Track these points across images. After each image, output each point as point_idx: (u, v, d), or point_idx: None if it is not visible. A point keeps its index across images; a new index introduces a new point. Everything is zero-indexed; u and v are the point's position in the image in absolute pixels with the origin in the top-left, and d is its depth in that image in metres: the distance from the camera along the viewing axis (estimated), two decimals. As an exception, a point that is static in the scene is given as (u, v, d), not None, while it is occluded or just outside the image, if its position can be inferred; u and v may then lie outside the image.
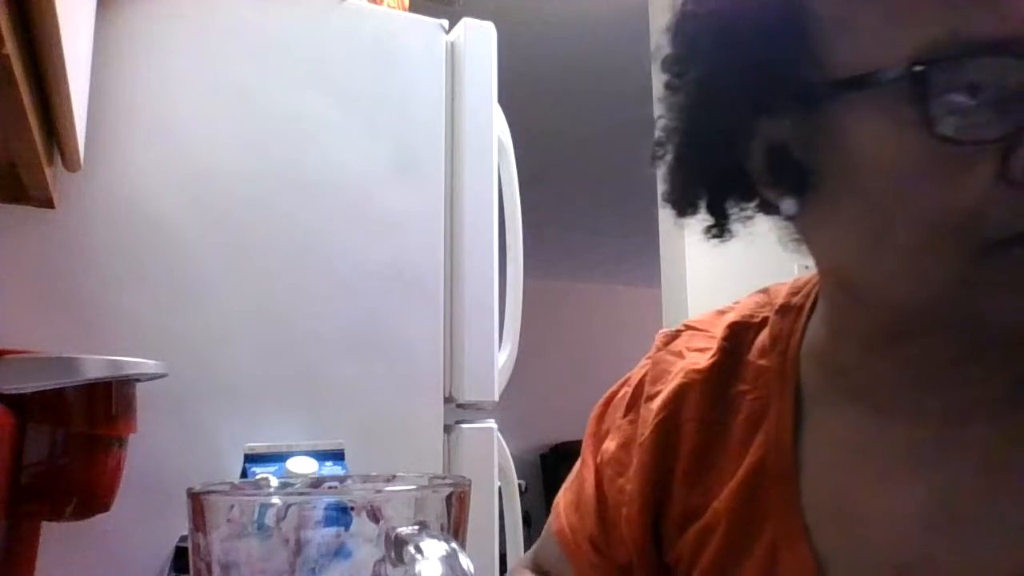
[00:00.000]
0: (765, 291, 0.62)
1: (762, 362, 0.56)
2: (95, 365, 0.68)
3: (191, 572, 0.36)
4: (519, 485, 1.46)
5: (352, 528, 0.34)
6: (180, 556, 0.95)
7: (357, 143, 1.26)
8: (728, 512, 0.53)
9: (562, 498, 0.67)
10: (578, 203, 5.04)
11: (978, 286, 0.41)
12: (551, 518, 0.67)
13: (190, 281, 1.11)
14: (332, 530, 0.34)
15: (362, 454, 1.14)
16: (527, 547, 0.75)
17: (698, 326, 0.63)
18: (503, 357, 1.38)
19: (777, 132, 0.46)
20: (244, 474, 1.04)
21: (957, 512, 0.46)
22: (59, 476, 0.68)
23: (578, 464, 0.67)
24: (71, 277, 1.05)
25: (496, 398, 1.32)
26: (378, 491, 0.40)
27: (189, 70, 1.16)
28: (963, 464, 0.46)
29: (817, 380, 0.54)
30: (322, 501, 0.36)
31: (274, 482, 0.43)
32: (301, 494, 0.42)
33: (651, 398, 0.60)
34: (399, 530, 0.34)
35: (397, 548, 0.33)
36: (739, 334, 0.59)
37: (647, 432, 0.58)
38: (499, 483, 1.33)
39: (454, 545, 0.33)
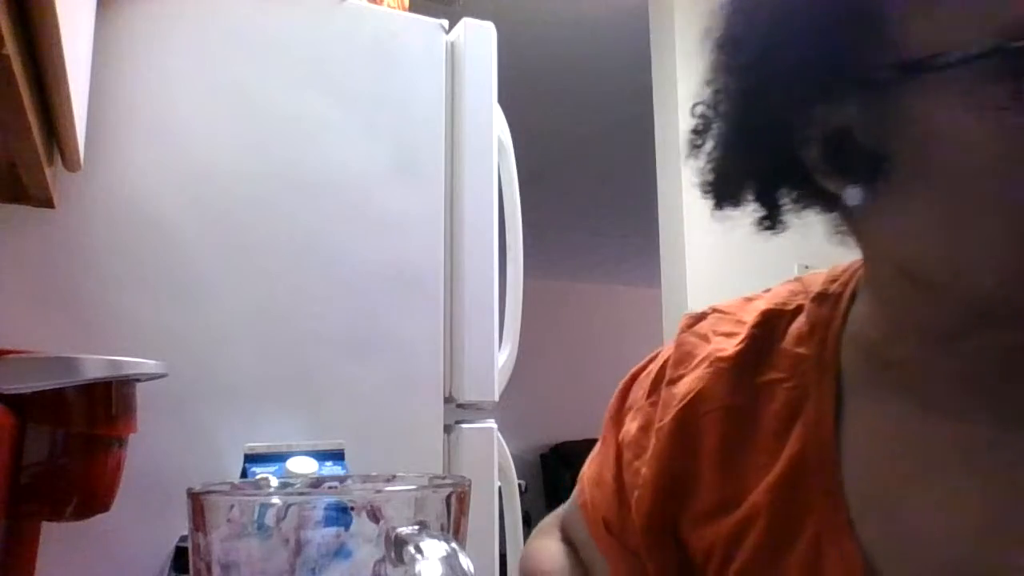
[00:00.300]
0: (798, 279, 0.60)
1: (799, 350, 0.54)
2: (95, 365, 0.67)
3: (191, 572, 0.36)
4: (519, 485, 1.46)
5: (352, 528, 0.34)
6: (180, 556, 0.95)
7: (357, 143, 1.26)
8: (768, 505, 0.51)
9: (587, 470, 0.66)
10: (578, 203, 5.04)
11: None
12: (577, 489, 0.66)
13: (190, 281, 1.11)
14: (332, 530, 0.34)
15: (362, 454, 1.14)
16: (527, 547, 0.75)
17: (725, 309, 0.61)
18: (503, 357, 1.38)
19: (841, 117, 0.43)
20: (244, 474, 1.04)
21: (1018, 520, 0.44)
22: (59, 476, 0.67)
23: (600, 441, 0.65)
24: (71, 277, 1.05)
25: (496, 398, 1.32)
26: (378, 491, 0.40)
27: (189, 70, 1.16)
28: (1020, 470, 0.44)
29: (859, 371, 0.52)
30: (322, 501, 0.36)
31: (274, 482, 0.43)
32: (301, 494, 0.42)
33: (673, 382, 0.59)
34: (399, 530, 0.34)
35: (397, 548, 0.33)
36: (771, 320, 0.57)
37: (667, 418, 0.57)
38: (499, 483, 1.33)
39: (454, 545, 0.33)
